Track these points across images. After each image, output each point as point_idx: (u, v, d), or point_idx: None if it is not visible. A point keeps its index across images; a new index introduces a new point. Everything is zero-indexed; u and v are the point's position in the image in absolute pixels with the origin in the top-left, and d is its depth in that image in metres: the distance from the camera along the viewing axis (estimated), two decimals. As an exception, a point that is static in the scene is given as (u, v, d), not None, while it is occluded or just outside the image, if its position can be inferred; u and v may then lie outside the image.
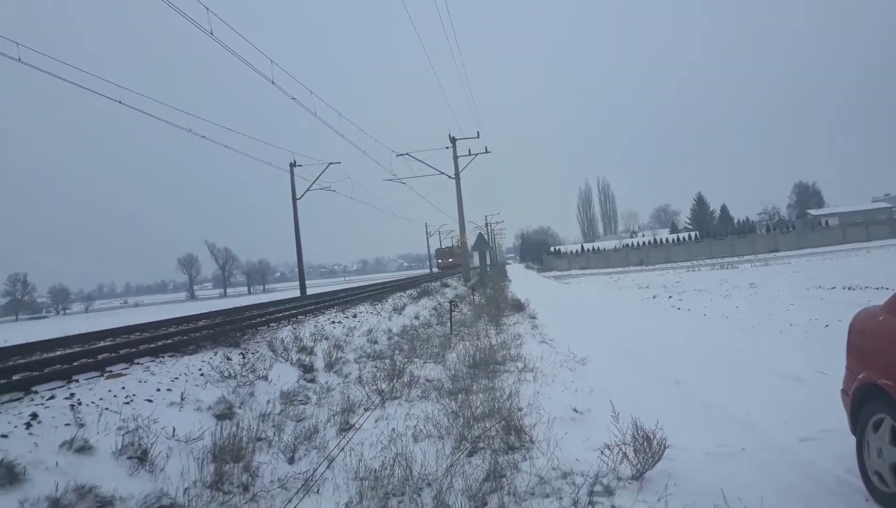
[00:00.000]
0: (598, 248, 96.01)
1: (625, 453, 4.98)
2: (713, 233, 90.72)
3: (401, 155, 37.89)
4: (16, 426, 5.79)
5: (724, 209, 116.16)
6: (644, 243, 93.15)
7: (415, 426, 6.59)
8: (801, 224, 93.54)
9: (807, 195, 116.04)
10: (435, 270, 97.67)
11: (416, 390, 8.37)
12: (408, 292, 28.69)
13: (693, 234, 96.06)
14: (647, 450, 4.92)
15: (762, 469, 4.95)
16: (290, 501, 4.94)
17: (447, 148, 38.70)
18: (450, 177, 39.35)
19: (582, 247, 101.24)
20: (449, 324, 15.13)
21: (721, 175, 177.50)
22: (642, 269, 63.16)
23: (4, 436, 5.47)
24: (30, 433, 5.64)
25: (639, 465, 4.88)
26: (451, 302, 17.34)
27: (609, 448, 5.08)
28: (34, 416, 6.16)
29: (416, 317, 18.22)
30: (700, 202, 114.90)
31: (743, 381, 7.95)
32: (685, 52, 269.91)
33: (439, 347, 12.14)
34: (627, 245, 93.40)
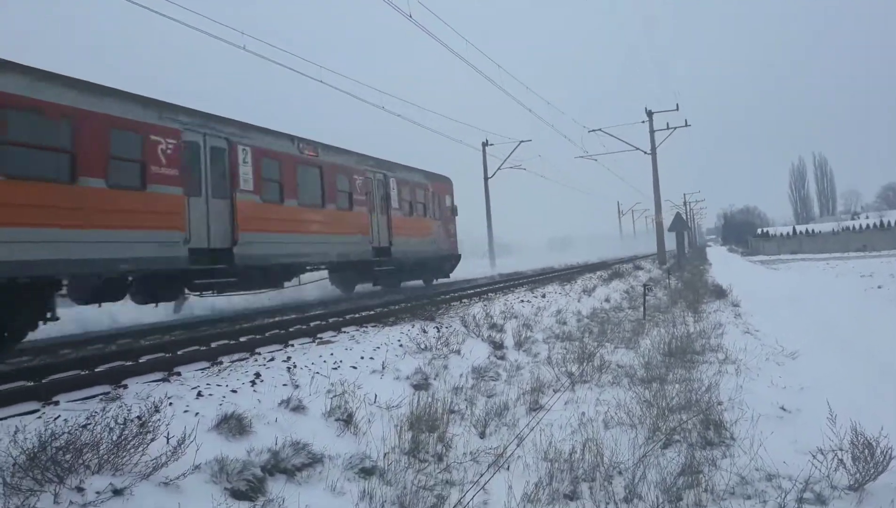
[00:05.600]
0: (813, 231, 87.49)
1: (841, 459, 4.53)
2: (957, 214, 79.01)
3: (592, 131, 36.96)
4: (243, 384, 6.54)
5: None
6: (868, 225, 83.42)
7: (605, 413, 6.47)
8: None
9: None
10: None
11: (607, 375, 8.21)
12: (598, 273, 28.14)
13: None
14: (868, 459, 4.43)
15: None
16: (481, 475, 5.09)
17: (643, 122, 36.97)
18: (645, 153, 37.62)
19: (794, 229, 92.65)
20: (642, 309, 14.62)
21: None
22: (865, 255, 56.57)
23: (234, 391, 6.19)
24: (254, 391, 6.33)
25: (858, 475, 4.41)
26: (644, 286, 16.72)
27: (822, 453, 4.64)
28: (257, 375, 6.92)
29: (607, 300, 17.83)
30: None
31: None
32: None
33: (631, 332, 11.79)
34: (847, 228, 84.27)
